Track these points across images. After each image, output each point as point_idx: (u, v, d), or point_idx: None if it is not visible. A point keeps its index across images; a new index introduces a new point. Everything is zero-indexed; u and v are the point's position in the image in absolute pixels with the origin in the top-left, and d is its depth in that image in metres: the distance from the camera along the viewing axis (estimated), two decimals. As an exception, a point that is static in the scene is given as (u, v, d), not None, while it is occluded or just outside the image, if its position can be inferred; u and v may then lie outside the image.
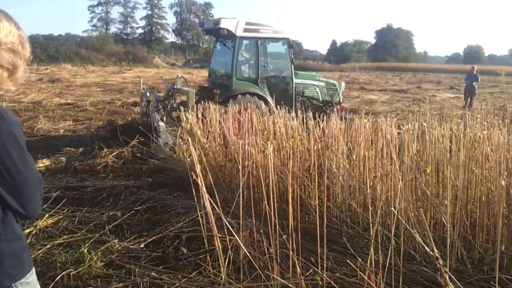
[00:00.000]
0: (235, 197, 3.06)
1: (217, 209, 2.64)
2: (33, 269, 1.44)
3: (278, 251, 2.56)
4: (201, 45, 69.07)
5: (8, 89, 1.34)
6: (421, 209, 3.01)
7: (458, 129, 4.17)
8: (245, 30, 8.51)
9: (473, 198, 3.61)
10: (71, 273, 2.96)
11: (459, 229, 3.36)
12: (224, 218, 2.65)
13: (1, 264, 1.30)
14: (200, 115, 5.67)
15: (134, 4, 68.10)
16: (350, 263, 2.29)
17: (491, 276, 2.90)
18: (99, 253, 3.22)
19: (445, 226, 3.47)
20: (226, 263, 2.80)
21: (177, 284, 2.78)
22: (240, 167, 3.20)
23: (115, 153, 6.21)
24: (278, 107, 5.17)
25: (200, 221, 2.94)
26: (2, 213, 1.28)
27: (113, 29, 68.18)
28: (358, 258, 2.55)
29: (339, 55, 71.87)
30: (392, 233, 2.40)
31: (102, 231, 3.71)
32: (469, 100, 14.82)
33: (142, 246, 3.40)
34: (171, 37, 71.11)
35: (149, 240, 3.49)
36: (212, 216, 2.77)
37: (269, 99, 8.38)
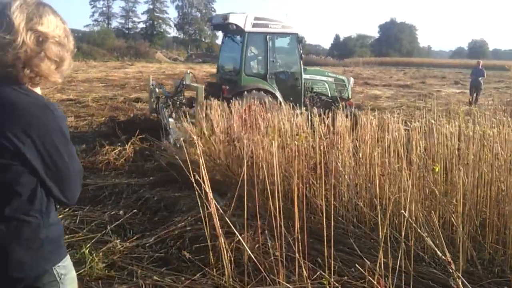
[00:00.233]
0: (241, 197, 2.97)
1: (220, 209, 2.56)
2: (68, 254, 1.49)
3: (284, 254, 2.48)
4: (203, 39, 68.81)
5: (55, 81, 1.39)
6: (432, 212, 2.92)
7: (466, 127, 4.08)
8: (254, 25, 8.40)
9: (483, 197, 3.53)
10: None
11: (469, 229, 3.28)
12: (227, 219, 2.57)
13: (42, 249, 1.35)
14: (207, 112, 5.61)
15: (135, -2, 67.84)
16: (359, 267, 2.21)
17: (503, 279, 2.83)
18: (101, 254, 3.16)
19: (454, 226, 3.40)
20: (231, 265, 2.73)
21: (180, 287, 2.71)
22: (245, 164, 3.12)
23: (117, 150, 6.13)
24: (283, 103, 5.09)
25: (203, 222, 2.86)
26: (46, 200, 1.35)
27: (114, 23, 67.95)
28: (366, 261, 2.47)
29: (342, 49, 71.44)
30: (403, 236, 2.32)
31: (104, 231, 3.65)
32: (475, 95, 14.67)
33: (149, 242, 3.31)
34: (173, 32, 70.84)
35: (152, 241, 3.42)
36: (216, 217, 2.70)
37: (278, 95, 8.30)
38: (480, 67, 15.53)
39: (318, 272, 2.55)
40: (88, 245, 3.28)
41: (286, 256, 2.64)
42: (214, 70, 11.52)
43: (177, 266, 3.05)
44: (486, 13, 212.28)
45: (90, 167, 5.67)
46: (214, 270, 2.85)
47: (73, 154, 1.38)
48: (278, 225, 2.61)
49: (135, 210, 4.11)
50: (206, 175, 2.69)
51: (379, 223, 2.40)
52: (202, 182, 2.60)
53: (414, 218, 3.28)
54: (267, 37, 8.54)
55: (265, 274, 2.50)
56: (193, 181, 2.68)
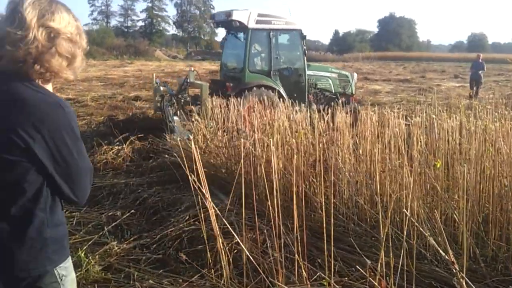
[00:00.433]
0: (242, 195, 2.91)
1: (216, 210, 2.51)
2: (70, 255, 1.49)
3: (283, 254, 2.43)
4: (203, 37, 68.65)
5: (67, 78, 1.40)
6: (435, 211, 2.86)
7: (468, 121, 4.02)
8: (258, 22, 8.34)
9: (485, 193, 3.47)
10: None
11: (471, 226, 3.22)
12: (225, 220, 2.51)
13: (46, 249, 1.35)
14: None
15: (134, -3, 67.60)
16: (360, 268, 2.15)
17: (506, 277, 2.77)
18: (97, 256, 3.10)
19: (456, 222, 3.34)
20: (229, 266, 2.68)
21: (178, 289, 2.66)
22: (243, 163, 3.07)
23: (115, 149, 6.07)
24: (287, 99, 5.02)
25: (201, 222, 2.80)
26: (52, 200, 1.35)
27: (113, 22, 67.86)
28: (367, 260, 2.41)
29: (342, 45, 71.28)
30: (405, 235, 2.26)
31: (101, 232, 3.60)
32: (475, 89, 14.58)
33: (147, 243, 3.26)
34: (172, 30, 70.70)
35: (150, 242, 3.37)
36: (214, 217, 2.64)
37: (282, 91, 8.26)
38: (480, 60, 15.44)
39: (318, 273, 2.49)
40: (85, 248, 3.23)
41: (285, 256, 2.58)
42: (213, 68, 11.47)
43: (175, 267, 3.00)
44: (486, 7, 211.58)
45: (88, 167, 5.60)
46: (212, 271, 2.79)
47: (83, 151, 1.39)
48: (277, 225, 2.55)
49: (132, 211, 4.05)
50: (203, 174, 2.63)
51: (380, 222, 2.34)
52: (198, 181, 2.54)
53: (415, 215, 3.23)
54: (271, 33, 8.48)
55: (264, 276, 2.44)
56: (190, 180, 2.62)
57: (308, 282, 2.37)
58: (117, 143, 6.36)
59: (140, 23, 68.08)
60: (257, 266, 2.50)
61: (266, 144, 3.90)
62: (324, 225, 2.37)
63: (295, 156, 3.62)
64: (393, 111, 4.27)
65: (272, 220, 2.57)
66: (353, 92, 9.77)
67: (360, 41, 75.35)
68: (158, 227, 3.65)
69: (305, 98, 8.47)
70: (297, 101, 5.35)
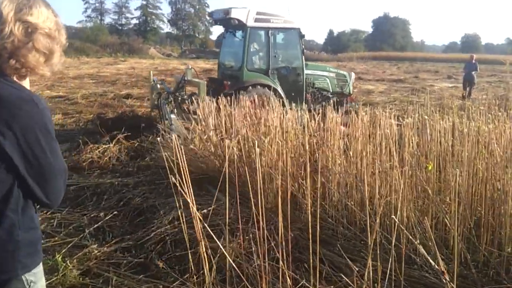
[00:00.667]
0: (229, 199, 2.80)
1: (198, 214, 2.39)
2: (41, 261, 1.43)
3: (267, 262, 2.32)
4: (197, 35, 68.35)
5: (44, 74, 1.36)
6: (425, 214, 2.77)
7: (461, 122, 3.94)
8: (256, 20, 8.25)
9: (477, 196, 3.39)
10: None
11: (463, 230, 3.14)
12: (206, 226, 2.40)
13: (18, 252, 1.29)
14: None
15: (128, -6, 67.19)
16: (346, 276, 2.05)
17: (498, 284, 2.69)
18: (75, 260, 2.98)
19: (447, 226, 3.25)
20: (211, 272, 2.56)
21: (157, 295, 2.55)
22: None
23: (102, 148, 5.93)
24: (285, 98, 4.90)
25: (183, 226, 2.68)
26: (24, 201, 1.29)
27: (107, 19, 67.33)
28: (354, 267, 2.31)
29: (336, 44, 71.35)
30: (393, 240, 2.16)
31: (82, 235, 3.47)
32: (468, 89, 14.56)
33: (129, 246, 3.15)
34: (166, 28, 70.30)
35: (131, 245, 3.25)
36: (198, 220, 2.52)
37: (279, 90, 8.18)
38: (473, 61, 15.43)
39: (304, 280, 2.38)
40: (63, 251, 3.10)
41: (270, 262, 2.48)
42: (208, 66, 11.34)
43: (156, 272, 2.88)
44: (479, 7, 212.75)
45: (73, 166, 5.46)
46: (195, 277, 2.68)
47: (57, 151, 1.32)
48: (261, 228, 2.45)
49: (116, 212, 3.93)
50: (188, 173, 2.51)
51: (368, 226, 2.24)
52: (180, 183, 2.43)
53: (406, 218, 3.13)
54: (269, 32, 8.40)
55: (247, 283, 2.33)
56: (176, 182, 2.50)
57: (293, 290, 2.26)
58: (104, 141, 6.22)
59: (134, 21, 67.67)
60: (240, 273, 2.39)
61: (253, 144, 3.79)
62: (310, 229, 2.27)
63: (282, 157, 3.53)
64: (385, 111, 4.17)
65: (256, 223, 2.46)
66: (351, 92, 9.72)
67: (355, 41, 75.45)
68: (141, 230, 3.54)
69: (303, 97, 8.40)
70: (295, 100, 5.26)
